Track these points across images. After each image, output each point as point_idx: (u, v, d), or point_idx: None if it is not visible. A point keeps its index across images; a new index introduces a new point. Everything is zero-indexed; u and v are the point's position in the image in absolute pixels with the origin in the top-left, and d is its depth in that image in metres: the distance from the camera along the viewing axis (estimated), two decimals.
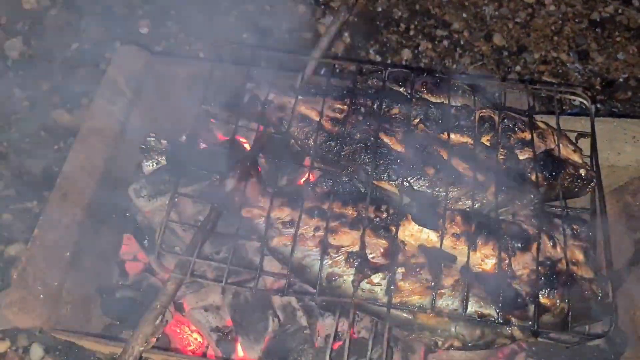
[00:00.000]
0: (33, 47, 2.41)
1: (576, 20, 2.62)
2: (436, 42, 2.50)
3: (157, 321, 1.31)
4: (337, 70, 1.99)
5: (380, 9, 2.58)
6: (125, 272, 1.69)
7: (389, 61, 2.38)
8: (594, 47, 2.55)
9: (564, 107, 2.16)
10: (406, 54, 2.44)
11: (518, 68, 2.45)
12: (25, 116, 2.21)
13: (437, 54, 2.46)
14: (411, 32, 2.52)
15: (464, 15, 2.60)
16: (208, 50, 2.40)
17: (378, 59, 2.38)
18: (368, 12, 2.55)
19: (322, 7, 2.56)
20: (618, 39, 2.57)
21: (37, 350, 1.67)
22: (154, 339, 1.30)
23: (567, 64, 2.49)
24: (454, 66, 2.43)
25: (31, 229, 1.51)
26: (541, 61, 2.48)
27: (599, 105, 2.35)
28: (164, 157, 1.75)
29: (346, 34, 2.45)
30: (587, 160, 1.50)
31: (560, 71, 2.46)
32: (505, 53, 2.50)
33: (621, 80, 2.45)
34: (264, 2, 2.58)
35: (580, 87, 2.34)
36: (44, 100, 2.24)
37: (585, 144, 1.56)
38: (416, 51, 2.46)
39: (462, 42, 2.51)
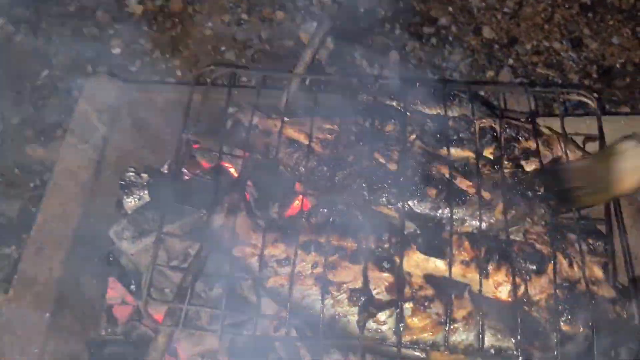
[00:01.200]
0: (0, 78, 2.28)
1: (566, 6, 2.52)
2: (424, 41, 2.39)
3: None
4: (323, 81, 1.87)
5: (362, 10, 2.47)
6: (114, 317, 1.59)
7: (375, 65, 2.27)
8: (586, 33, 2.44)
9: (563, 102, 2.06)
10: (393, 55, 2.32)
11: (511, 61, 2.35)
12: None
13: (426, 53, 2.35)
14: (397, 32, 2.41)
15: (450, 9, 2.49)
16: (185, 68, 2.28)
17: (365, 63, 2.27)
18: (350, 14, 2.43)
19: (302, 12, 2.44)
20: (611, 22, 2.47)
21: None
22: None
23: (561, 53, 2.38)
24: (445, 64, 2.32)
25: (10, 277, 1.40)
26: (534, 52, 2.38)
27: (595, 95, 2.25)
28: (146, 192, 1.64)
29: (329, 39, 2.33)
30: None
31: (554, 61, 2.36)
32: (496, 46, 2.39)
33: (618, 66, 2.35)
34: (240, 12, 2.45)
35: (582, 86, 2.23)
36: (16, 135, 2.11)
37: (594, 146, 1.46)
38: (404, 51, 2.35)
39: (450, 38, 2.40)
